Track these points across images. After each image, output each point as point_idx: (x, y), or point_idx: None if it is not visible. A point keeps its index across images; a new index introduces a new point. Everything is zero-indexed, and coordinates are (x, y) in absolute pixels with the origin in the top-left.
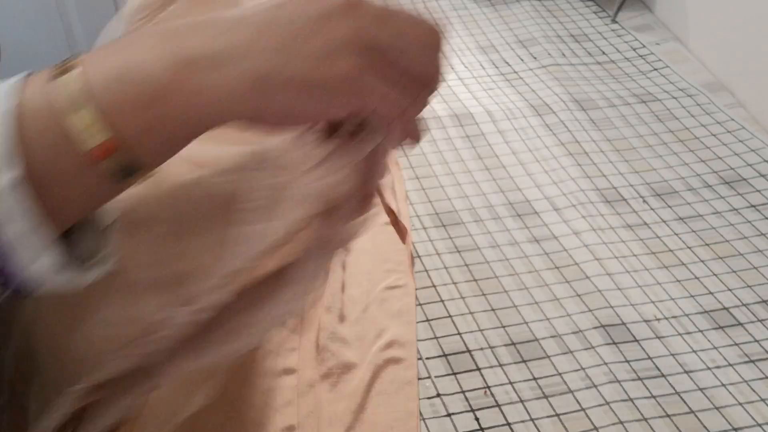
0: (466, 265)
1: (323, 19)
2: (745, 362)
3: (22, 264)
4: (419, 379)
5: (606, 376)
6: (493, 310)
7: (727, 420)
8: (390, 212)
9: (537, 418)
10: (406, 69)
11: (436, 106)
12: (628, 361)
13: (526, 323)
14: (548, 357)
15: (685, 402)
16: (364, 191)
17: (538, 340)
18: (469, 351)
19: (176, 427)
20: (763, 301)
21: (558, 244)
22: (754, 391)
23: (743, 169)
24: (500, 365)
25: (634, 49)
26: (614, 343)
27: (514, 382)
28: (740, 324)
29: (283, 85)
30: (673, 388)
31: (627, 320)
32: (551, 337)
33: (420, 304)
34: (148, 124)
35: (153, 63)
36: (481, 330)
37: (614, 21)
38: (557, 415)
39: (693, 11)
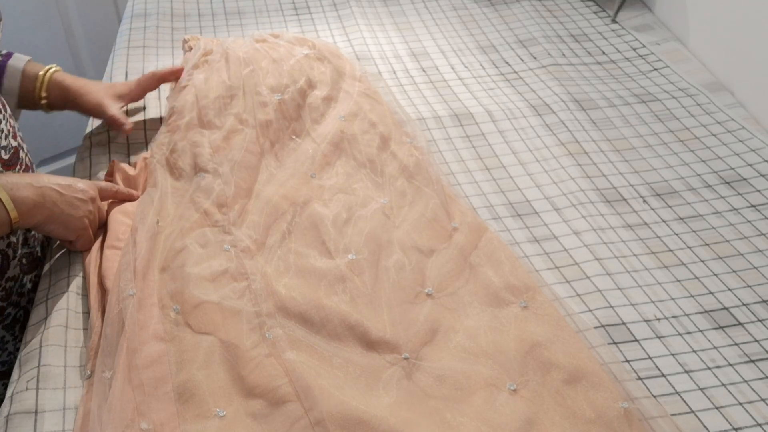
0: None
1: (83, 203)
2: (745, 362)
3: None
4: None
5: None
6: None
7: (727, 420)
8: None
9: None
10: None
11: (436, 106)
12: (628, 361)
13: None
14: None
15: (685, 402)
16: None
17: None
18: None
19: None
20: (763, 301)
21: (558, 244)
22: (754, 391)
23: (743, 169)
24: None
25: (634, 49)
26: (614, 342)
27: None
28: (740, 324)
29: (61, 227)
30: (673, 388)
31: (627, 320)
32: None
33: None
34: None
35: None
36: None
37: (614, 21)
38: None
39: (693, 11)
